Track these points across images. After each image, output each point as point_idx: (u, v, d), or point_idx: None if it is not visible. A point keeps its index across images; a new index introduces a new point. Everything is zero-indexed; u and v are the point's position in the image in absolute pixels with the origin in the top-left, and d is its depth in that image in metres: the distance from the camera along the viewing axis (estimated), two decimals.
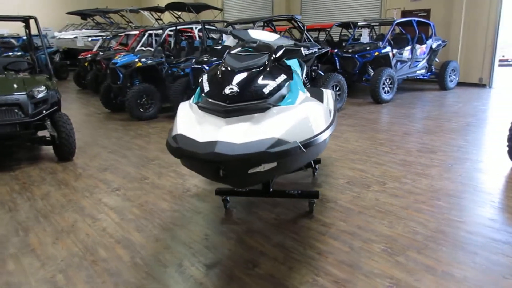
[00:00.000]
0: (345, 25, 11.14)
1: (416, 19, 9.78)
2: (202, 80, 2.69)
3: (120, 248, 3.04)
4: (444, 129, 6.27)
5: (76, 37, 16.04)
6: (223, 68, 2.64)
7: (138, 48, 8.97)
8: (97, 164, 5.12)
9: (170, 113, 8.11)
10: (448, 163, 4.68)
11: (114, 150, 5.71)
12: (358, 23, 10.17)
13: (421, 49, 9.83)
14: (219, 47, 3.22)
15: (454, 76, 10.50)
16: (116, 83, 7.88)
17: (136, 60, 7.76)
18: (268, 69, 2.65)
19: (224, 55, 2.82)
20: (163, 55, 8.06)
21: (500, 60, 10.82)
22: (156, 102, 7.74)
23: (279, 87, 2.58)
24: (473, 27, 10.74)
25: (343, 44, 10.33)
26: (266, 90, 2.50)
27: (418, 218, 3.35)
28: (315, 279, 2.58)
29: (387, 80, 8.73)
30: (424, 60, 10.03)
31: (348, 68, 9.18)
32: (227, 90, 2.43)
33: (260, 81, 2.57)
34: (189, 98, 7.69)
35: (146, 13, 17.22)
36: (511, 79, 11.42)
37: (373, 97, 8.70)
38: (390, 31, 9.26)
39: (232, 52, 2.83)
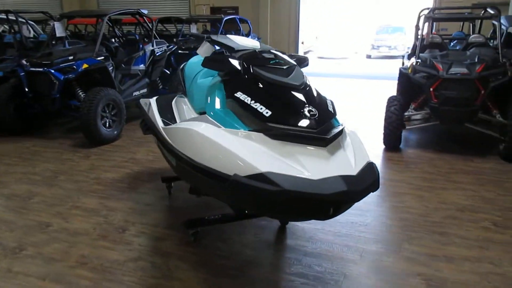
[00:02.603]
0: (166, 20, 10.73)
1: (238, 16, 10.28)
2: (242, 102, 2.18)
3: None
4: None
5: None
6: (273, 85, 2.20)
7: None
8: None
9: None
10: None
11: None
12: (185, 18, 9.96)
13: None
14: (218, 56, 2.63)
15: None
16: None
17: None
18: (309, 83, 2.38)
19: (249, 67, 2.34)
20: None
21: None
22: None
23: (332, 103, 2.35)
24: (278, 25, 12.00)
25: (174, 40, 9.96)
26: (330, 108, 2.24)
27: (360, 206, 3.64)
28: None
29: None
30: None
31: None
32: (307, 113, 2.06)
33: (323, 98, 2.28)
34: (18, 108, 6.07)
35: None
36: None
37: None
38: (221, 27, 9.44)
39: (257, 63, 2.38)
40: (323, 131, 2.03)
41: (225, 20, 9.85)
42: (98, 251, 3.01)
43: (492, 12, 5.64)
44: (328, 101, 2.32)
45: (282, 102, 2.12)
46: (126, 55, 6.75)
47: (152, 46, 6.98)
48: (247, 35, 10.65)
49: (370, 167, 2.01)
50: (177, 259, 2.91)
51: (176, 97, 3.87)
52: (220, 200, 2.37)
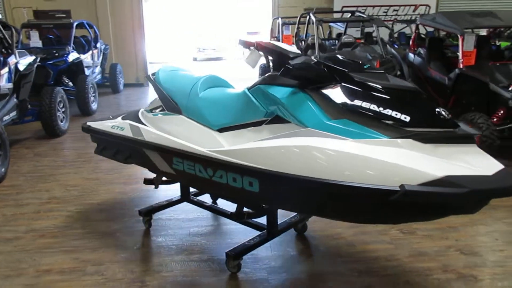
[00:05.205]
0: None
1: (86, 21, 9.16)
2: (369, 110, 2.03)
3: None
4: None
5: None
6: (393, 90, 2.10)
7: None
8: None
9: None
10: None
11: None
12: (23, 23, 8.32)
13: (96, 53, 9.35)
14: (303, 64, 2.26)
15: (121, 79, 10.67)
16: None
17: None
18: None
19: (347, 75, 2.17)
20: None
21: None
22: None
23: None
24: (121, 30, 11.16)
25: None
26: None
27: None
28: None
29: (91, 89, 7.90)
30: (99, 65, 9.63)
31: (39, 80, 7.47)
32: (444, 113, 2.04)
33: None
34: None
35: None
36: None
37: (84, 110, 7.67)
38: (73, 34, 8.25)
39: (351, 69, 2.23)
40: (465, 129, 2.12)
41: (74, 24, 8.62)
42: None
43: (364, 16, 6.58)
44: None
45: (415, 106, 2.09)
46: None
47: (15, 58, 5.65)
48: (94, 41, 9.57)
49: None
50: None
51: (143, 115, 3.31)
52: (359, 221, 2.21)
